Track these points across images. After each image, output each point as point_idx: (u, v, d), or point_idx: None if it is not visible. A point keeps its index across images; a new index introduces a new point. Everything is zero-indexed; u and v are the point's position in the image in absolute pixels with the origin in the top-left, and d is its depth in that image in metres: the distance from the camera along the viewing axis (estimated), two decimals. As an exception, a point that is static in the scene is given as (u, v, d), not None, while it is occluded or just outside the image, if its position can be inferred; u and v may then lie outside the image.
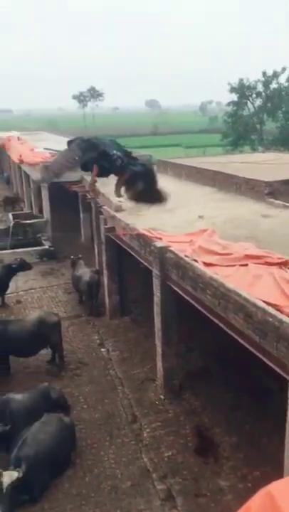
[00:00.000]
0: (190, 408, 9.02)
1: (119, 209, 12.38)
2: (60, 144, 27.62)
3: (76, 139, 11.11)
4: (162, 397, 9.37)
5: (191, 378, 9.79)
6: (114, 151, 10.74)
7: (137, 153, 21.59)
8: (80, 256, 15.07)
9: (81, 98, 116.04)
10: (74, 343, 11.78)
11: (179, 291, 8.53)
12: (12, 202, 27.48)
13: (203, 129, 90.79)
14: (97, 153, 10.47)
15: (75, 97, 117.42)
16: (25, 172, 24.75)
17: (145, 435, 8.43)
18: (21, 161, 23.76)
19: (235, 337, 6.81)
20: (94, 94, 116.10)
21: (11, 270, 14.27)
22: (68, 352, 11.19)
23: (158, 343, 9.50)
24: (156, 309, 9.41)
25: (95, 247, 16.33)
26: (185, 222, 10.80)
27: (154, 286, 9.42)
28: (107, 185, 16.13)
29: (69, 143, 11.23)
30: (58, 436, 7.55)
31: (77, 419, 8.75)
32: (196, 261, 7.93)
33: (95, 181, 11.81)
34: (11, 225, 19.27)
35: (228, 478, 7.42)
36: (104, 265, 13.30)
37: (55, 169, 11.12)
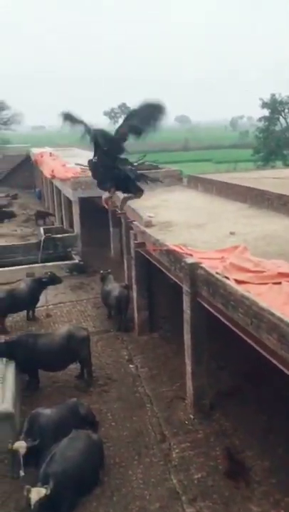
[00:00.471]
0: (220, 429, 8.81)
1: (149, 224, 12.41)
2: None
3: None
4: (192, 416, 9.19)
5: (221, 398, 9.58)
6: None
7: (166, 168, 21.83)
8: (109, 271, 15.14)
9: (112, 114, 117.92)
10: (102, 359, 11.77)
11: (210, 309, 8.42)
12: (43, 216, 27.98)
13: (233, 144, 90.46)
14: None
15: (106, 114, 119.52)
16: (56, 187, 25.24)
17: (174, 455, 8.27)
18: (53, 177, 24.31)
19: (268, 357, 6.64)
20: (125, 110, 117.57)
21: (42, 284, 14.45)
22: (97, 367, 11.18)
23: (188, 361, 9.37)
24: (186, 327, 9.30)
25: (125, 261, 16.40)
26: (216, 238, 10.71)
27: (184, 303, 9.33)
28: (137, 201, 16.32)
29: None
30: (86, 454, 7.50)
31: (105, 436, 8.68)
32: (227, 278, 7.82)
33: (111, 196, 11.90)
34: (42, 239, 19.57)
35: (260, 504, 7.17)
36: (133, 280, 13.31)
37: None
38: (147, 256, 12.00)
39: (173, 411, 9.47)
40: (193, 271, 8.83)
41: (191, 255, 9.35)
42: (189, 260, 9.04)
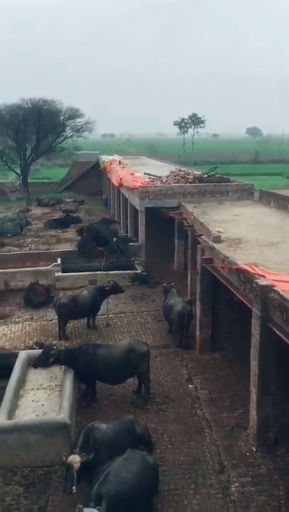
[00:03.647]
0: (285, 467, 8.23)
1: (217, 240, 12.08)
2: (160, 168, 28.33)
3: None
4: (254, 449, 8.70)
5: (287, 432, 8.98)
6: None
7: (237, 181, 21.33)
8: (172, 284, 14.92)
9: (182, 125, 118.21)
10: (161, 375, 11.55)
11: (282, 336, 7.91)
12: (108, 224, 28.31)
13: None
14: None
15: (176, 124, 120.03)
16: (123, 195, 25.49)
17: (233, 489, 7.82)
18: (121, 185, 24.55)
19: None
20: (195, 121, 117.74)
21: (104, 292, 14.52)
22: (154, 384, 10.96)
23: (253, 388, 8.88)
24: (254, 352, 8.83)
25: (188, 276, 16.14)
26: (291, 259, 10.18)
27: (252, 326, 8.88)
28: (207, 214, 16.04)
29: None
30: (141, 477, 7.21)
31: (161, 459, 8.42)
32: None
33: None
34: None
35: None
36: (197, 296, 13.03)
37: None
38: (214, 272, 11.69)
39: (234, 440, 9.05)
40: (266, 294, 8.38)
41: (263, 276, 8.90)
42: (262, 282, 8.59)
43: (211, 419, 9.80)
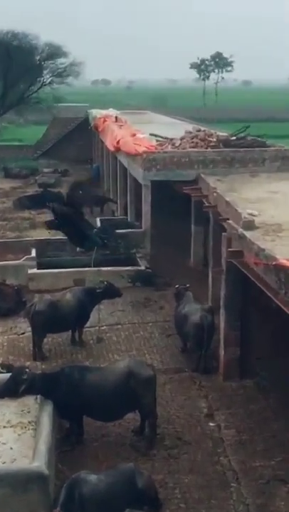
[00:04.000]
0: None
1: (250, 226, 12.11)
2: (171, 127, 28.29)
3: None
4: (298, 510, 8.76)
5: None
6: None
7: (276, 146, 21.29)
8: (187, 285, 14.98)
9: (202, 68, 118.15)
10: (171, 409, 11.62)
11: None
12: (101, 203, 28.37)
13: None
14: None
15: (193, 66, 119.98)
16: (122, 164, 25.51)
17: None
18: (118, 150, 24.54)
19: None
20: (220, 62, 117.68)
21: (94, 296, 14.58)
22: (163, 421, 11.02)
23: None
24: (298, 378, 8.86)
25: (210, 274, 16.24)
26: None
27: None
28: (235, 190, 16.04)
29: None
30: None
31: (172, 523, 8.51)
32: None
33: None
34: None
35: None
36: (221, 302, 13.12)
37: None
38: (244, 270, 11.75)
39: (270, 499, 9.12)
40: (316, 300, 8.38)
41: (312, 276, 8.91)
42: (310, 283, 8.60)
43: (240, 469, 9.84)
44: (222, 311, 12.97)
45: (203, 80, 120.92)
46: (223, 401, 11.93)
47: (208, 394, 12.23)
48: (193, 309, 13.63)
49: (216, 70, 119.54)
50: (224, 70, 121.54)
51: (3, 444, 9.53)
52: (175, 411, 11.56)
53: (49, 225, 18.41)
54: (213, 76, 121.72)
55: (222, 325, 12.93)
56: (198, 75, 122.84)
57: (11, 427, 9.97)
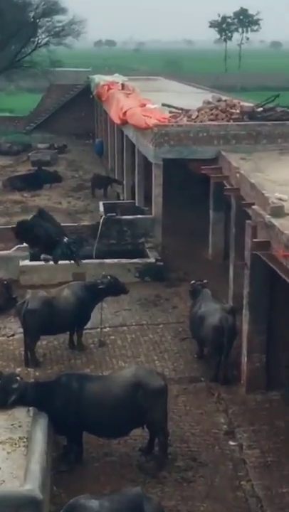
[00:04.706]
0: None
1: (279, 212, 12.07)
2: (186, 96, 28.20)
3: None
4: None
5: None
6: None
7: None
8: (204, 281, 14.98)
9: (223, 27, 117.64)
10: (185, 425, 11.66)
11: None
12: (105, 184, 28.39)
13: None
14: None
15: (213, 25, 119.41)
16: (128, 139, 25.49)
17: None
18: (125, 122, 24.51)
19: None
20: (244, 20, 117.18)
21: (96, 293, 14.60)
22: (175, 439, 11.06)
23: None
24: None
25: (231, 269, 16.23)
26: None
27: None
28: (262, 171, 15.98)
29: None
30: None
31: None
32: None
33: None
34: (101, 220, 19.78)
35: None
36: (245, 302, 13.14)
37: None
38: (272, 264, 11.73)
39: (298, 529, 9.17)
40: None
41: None
42: None
43: (264, 495, 9.86)
44: (245, 311, 13.02)
45: (225, 41, 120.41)
46: (245, 416, 11.98)
47: (228, 408, 12.28)
48: (212, 309, 13.65)
49: (240, 30, 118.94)
50: (249, 30, 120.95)
51: (-9, 463, 9.59)
52: (189, 427, 11.60)
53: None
54: (236, 36, 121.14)
55: (245, 328, 12.97)
56: (218, 35, 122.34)
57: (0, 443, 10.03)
